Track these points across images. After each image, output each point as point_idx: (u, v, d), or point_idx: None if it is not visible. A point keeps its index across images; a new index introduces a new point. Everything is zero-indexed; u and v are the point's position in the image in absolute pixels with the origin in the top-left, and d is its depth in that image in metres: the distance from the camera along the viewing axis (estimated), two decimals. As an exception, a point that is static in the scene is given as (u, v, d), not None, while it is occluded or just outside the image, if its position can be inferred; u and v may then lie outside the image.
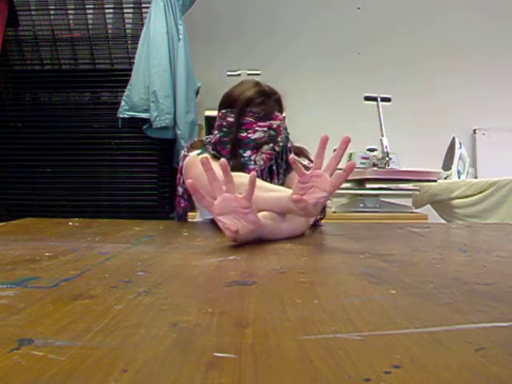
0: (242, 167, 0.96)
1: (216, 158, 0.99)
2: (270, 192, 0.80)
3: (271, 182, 0.97)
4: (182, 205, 1.07)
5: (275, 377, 0.23)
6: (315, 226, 1.01)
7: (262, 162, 0.96)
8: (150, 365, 0.24)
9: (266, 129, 0.96)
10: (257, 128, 0.95)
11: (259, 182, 0.84)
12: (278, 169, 0.99)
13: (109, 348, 0.26)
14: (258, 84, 1.01)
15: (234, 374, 0.23)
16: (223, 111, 0.99)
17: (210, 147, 1.01)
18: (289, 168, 1.01)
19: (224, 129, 0.98)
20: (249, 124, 0.96)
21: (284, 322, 0.32)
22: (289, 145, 1.03)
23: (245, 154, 0.96)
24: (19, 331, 0.29)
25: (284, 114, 1.02)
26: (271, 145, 0.96)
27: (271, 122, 0.97)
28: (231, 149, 0.97)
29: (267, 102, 0.98)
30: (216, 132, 1.00)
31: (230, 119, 0.97)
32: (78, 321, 0.31)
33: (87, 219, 1.10)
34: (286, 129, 1.02)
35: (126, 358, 0.25)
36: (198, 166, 0.96)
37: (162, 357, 0.25)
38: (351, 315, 0.33)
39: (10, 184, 2.14)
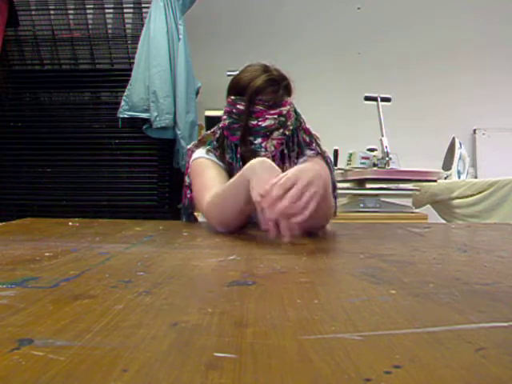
0: (252, 154, 0.96)
1: (220, 148, 1.01)
2: (235, 196, 0.81)
3: (283, 165, 0.97)
4: (189, 195, 1.07)
5: (275, 377, 0.23)
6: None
7: (272, 148, 0.97)
8: (150, 365, 0.24)
9: (276, 116, 0.96)
10: (267, 116, 0.96)
11: (221, 195, 0.85)
12: (289, 152, 1.00)
13: (109, 348, 0.26)
14: (266, 69, 1.00)
15: (234, 374, 0.23)
16: (233, 98, 0.99)
17: (217, 135, 1.03)
18: (302, 150, 1.02)
19: (234, 116, 0.98)
20: (259, 112, 0.96)
21: (284, 322, 0.32)
22: (305, 125, 1.04)
23: (256, 142, 0.97)
24: (19, 331, 0.29)
25: (293, 98, 1.02)
26: (281, 130, 0.97)
27: (281, 109, 0.97)
28: (241, 136, 0.98)
29: (277, 90, 0.97)
30: (225, 117, 1.01)
31: (240, 107, 0.97)
32: (78, 321, 0.31)
33: (87, 219, 1.10)
34: (295, 111, 1.02)
35: (126, 358, 0.25)
36: (204, 172, 0.99)
37: (161, 357, 0.25)
38: (351, 315, 0.33)
39: (10, 184, 2.14)
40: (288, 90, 1.01)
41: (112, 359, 0.25)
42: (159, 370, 0.23)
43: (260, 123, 0.96)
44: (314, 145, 1.03)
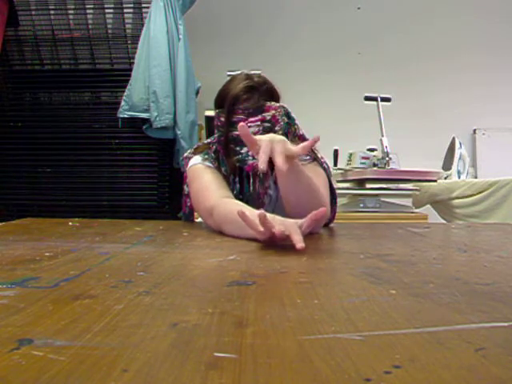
0: (239, 163, 0.96)
1: (216, 161, 1.01)
2: (244, 228, 0.77)
3: (273, 173, 0.95)
4: (189, 204, 1.07)
5: (275, 377, 0.23)
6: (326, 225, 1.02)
7: None
8: (150, 365, 0.24)
9: (258, 123, 0.94)
10: (249, 124, 0.94)
11: (232, 215, 0.82)
12: None
13: (109, 348, 0.26)
14: (247, 78, 0.99)
15: (234, 374, 0.23)
16: (217, 111, 1.00)
17: (213, 149, 1.02)
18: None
19: (220, 129, 0.98)
20: (240, 121, 0.95)
21: (284, 322, 0.32)
22: (300, 132, 1.00)
23: (242, 151, 0.95)
24: (19, 331, 0.29)
25: (280, 103, 0.99)
26: None
27: (263, 115, 0.94)
28: (224, 148, 0.97)
29: (254, 96, 0.95)
30: (216, 131, 1.01)
31: (222, 119, 0.97)
32: (78, 321, 0.31)
33: (87, 219, 1.10)
34: (287, 115, 0.99)
35: (126, 358, 0.25)
36: (201, 176, 0.98)
37: (162, 357, 0.25)
38: (351, 315, 0.33)
39: (10, 184, 2.14)
40: (271, 95, 0.98)
41: (112, 359, 0.25)
42: (159, 370, 0.23)
43: None
44: (309, 151, 1.02)
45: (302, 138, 1.01)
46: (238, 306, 0.36)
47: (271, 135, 0.75)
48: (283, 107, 0.98)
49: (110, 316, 0.32)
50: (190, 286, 0.44)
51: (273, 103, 0.96)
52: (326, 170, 1.00)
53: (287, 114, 0.99)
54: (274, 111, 0.95)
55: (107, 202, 2.12)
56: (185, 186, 1.08)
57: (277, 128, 0.95)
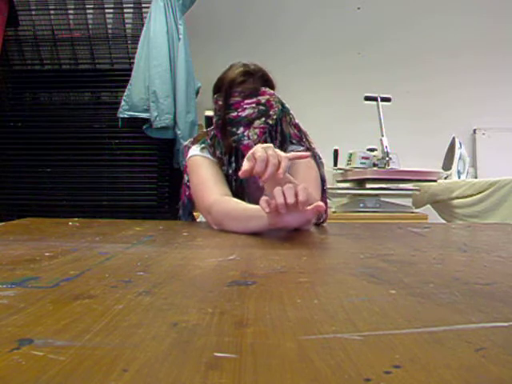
0: (235, 143, 0.99)
1: (213, 146, 1.05)
2: (247, 222, 0.83)
3: None
4: (187, 193, 1.08)
5: (275, 377, 0.23)
6: (317, 225, 1.02)
7: (255, 137, 0.99)
8: (150, 365, 0.24)
9: (254, 105, 0.98)
10: (245, 106, 0.98)
11: (234, 212, 0.87)
12: (272, 141, 1.01)
13: (109, 348, 0.26)
14: (244, 65, 1.04)
15: (234, 374, 0.23)
16: (215, 96, 1.04)
17: (210, 134, 1.06)
18: (285, 140, 1.04)
19: (218, 112, 1.02)
20: (237, 103, 0.99)
21: (284, 322, 0.32)
22: (296, 121, 1.07)
23: (238, 132, 0.99)
24: (19, 331, 0.29)
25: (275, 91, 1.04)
26: (263, 119, 0.99)
27: (258, 98, 0.99)
28: (221, 129, 1.01)
29: (249, 80, 1.00)
30: (213, 116, 1.06)
31: (220, 102, 1.01)
32: (78, 321, 0.31)
33: (87, 219, 1.10)
34: (280, 102, 1.04)
35: (126, 358, 0.25)
36: (199, 170, 1.02)
37: (161, 357, 0.25)
38: (351, 315, 0.33)
39: (10, 184, 2.14)
40: (266, 81, 1.03)
41: (112, 359, 0.25)
42: (159, 370, 0.23)
43: (240, 114, 0.98)
44: (304, 140, 1.06)
45: (298, 128, 1.07)
46: (238, 305, 0.36)
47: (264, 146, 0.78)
48: (277, 96, 1.03)
49: (110, 316, 0.32)
50: (190, 285, 0.44)
51: (267, 89, 1.01)
52: (318, 160, 1.05)
53: (280, 102, 1.04)
54: (268, 96, 1.00)
55: (107, 202, 2.12)
56: (185, 175, 1.10)
57: (271, 112, 1.00)
